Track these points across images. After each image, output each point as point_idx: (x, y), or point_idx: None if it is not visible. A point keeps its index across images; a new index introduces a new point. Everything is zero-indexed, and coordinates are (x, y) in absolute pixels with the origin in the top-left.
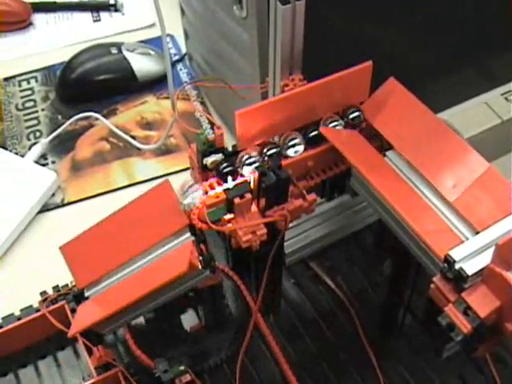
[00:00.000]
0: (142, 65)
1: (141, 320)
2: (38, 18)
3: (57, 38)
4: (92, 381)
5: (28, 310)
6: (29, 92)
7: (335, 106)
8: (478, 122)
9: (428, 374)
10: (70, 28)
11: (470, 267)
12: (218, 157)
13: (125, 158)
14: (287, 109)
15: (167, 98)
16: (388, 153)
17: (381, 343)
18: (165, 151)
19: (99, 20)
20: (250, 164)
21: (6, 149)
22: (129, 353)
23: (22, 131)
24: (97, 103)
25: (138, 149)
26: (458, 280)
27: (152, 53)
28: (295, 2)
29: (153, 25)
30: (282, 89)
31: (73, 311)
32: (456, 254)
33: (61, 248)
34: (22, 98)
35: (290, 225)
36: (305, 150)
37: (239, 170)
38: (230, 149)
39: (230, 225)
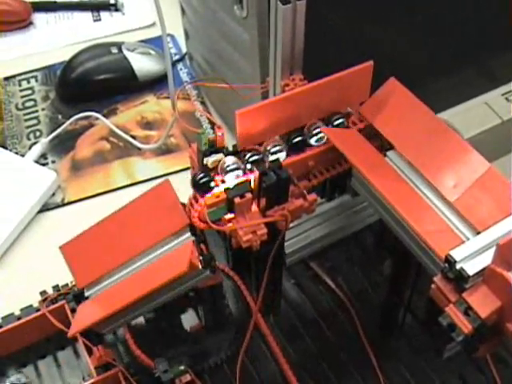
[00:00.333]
0: (143, 64)
1: (141, 320)
2: (39, 18)
3: (57, 38)
4: (92, 381)
5: (28, 309)
6: (29, 91)
7: (336, 105)
8: (479, 122)
9: (428, 374)
10: (71, 27)
11: (471, 267)
12: (219, 157)
13: (125, 158)
14: (288, 109)
15: (167, 97)
16: (389, 153)
17: (381, 343)
18: (165, 151)
19: (99, 20)
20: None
21: (6, 148)
22: (129, 353)
23: (22, 131)
24: (97, 103)
25: (139, 148)
26: (459, 280)
27: (152, 52)
28: (296, 1)
29: (153, 24)
30: (282, 89)
31: (73, 311)
32: (457, 254)
33: (61, 247)
34: (22, 97)
35: (291, 225)
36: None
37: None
38: (230, 148)
39: (230, 224)
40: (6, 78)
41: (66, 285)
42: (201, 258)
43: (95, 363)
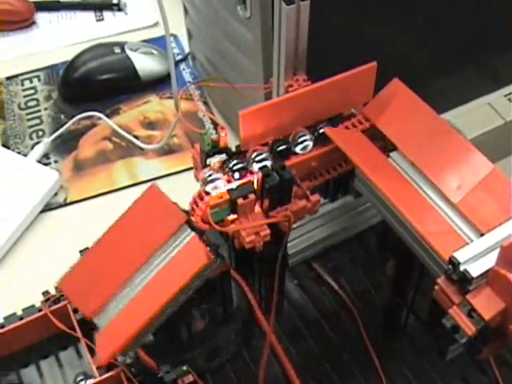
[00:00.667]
0: (145, 64)
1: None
2: (41, 17)
3: (60, 37)
4: (94, 381)
5: (30, 309)
6: (31, 91)
7: (339, 106)
8: (482, 123)
9: (431, 375)
10: (73, 27)
11: (475, 269)
12: (222, 157)
13: (127, 158)
14: (291, 109)
15: (170, 97)
16: (392, 153)
17: (384, 344)
18: (168, 151)
19: (102, 19)
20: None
21: (8, 148)
22: None
23: (25, 130)
24: (100, 103)
25: (141, 148)
26: (463, 282)
27: (155, 52)
28: (300, 2)
29: (156, 24)
30: (286, 89)
31: (75, 311)
32: (461, 255)
33: (57, 284)
34: (24, 97)
35: (294, 225)
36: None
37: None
38: (233, 149)
39: (233, 226)
40: (9, 78)
41: None
42: (208, 248)
43: (97, 363)
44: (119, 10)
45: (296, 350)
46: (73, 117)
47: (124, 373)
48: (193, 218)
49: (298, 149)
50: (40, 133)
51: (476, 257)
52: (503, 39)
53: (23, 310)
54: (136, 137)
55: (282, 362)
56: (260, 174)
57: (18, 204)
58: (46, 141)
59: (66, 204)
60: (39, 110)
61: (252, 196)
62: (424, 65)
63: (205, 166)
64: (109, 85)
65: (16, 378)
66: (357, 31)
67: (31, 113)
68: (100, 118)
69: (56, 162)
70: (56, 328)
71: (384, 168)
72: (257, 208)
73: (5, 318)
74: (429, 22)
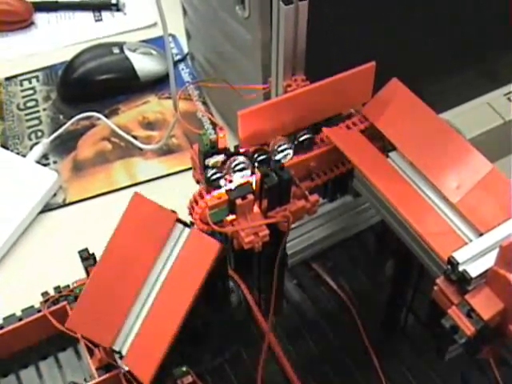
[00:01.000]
0: (144, 64)
1: None
2: (40, 18)
3: (58, 38)
4: (93, 382)
5: (29, 310)
6: (30, 92)
7: (338, 106)
8: (481, 123)
9: (430, 375)
10: (72, 27)
11: (474, 269)
12: (220, 157)
13: (126, 158)
14: (290, 109)
15: (169, 97)
16: (391, 154)
17: (383, 344)
18: (166, 151)
19: (101, 20)
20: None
21: (7, 149)
22: None
23: (24, 131)
24: (98, 103)
25: (140, 149)
26: (462, 282)
27: (154, 52)
28: (298, 2)
29: (155, 24)
30: (284, 89)
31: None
32: (460, 255)
33: (66, 326)
34: (23, 97)
35: (293, 226)
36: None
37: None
38: (232, 149)
39: (231, 226)
40: (8, 78)
41: (68, 286)
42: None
43: (96, 364)
44: (118, 10)
45: (295, 350)
46: (72, 117)
47: (123, 374)
48: (191, 218)
49: (277, 158)
50: (39, 133)
51: (475, 257)
52: (502, 39)
53: (22, 310)
54: (135, 137)
55: (281, 362)
56: (259, 175)
57: (17, 205)
58: (45, 141)
59: (65, 204)
60: (38, 111)
61: (251, 196)
62: (423, 64)
63: (203, 166)
64: (108, 85)
65: (15, 379)
66: (355, 31)
67: (30, 113)
68: (99, 119)
69: (55, 162)
70: (55, 329)
71: (383, 168)
72: (256, 208)
73: (4, 319)
74: (427, 21)
